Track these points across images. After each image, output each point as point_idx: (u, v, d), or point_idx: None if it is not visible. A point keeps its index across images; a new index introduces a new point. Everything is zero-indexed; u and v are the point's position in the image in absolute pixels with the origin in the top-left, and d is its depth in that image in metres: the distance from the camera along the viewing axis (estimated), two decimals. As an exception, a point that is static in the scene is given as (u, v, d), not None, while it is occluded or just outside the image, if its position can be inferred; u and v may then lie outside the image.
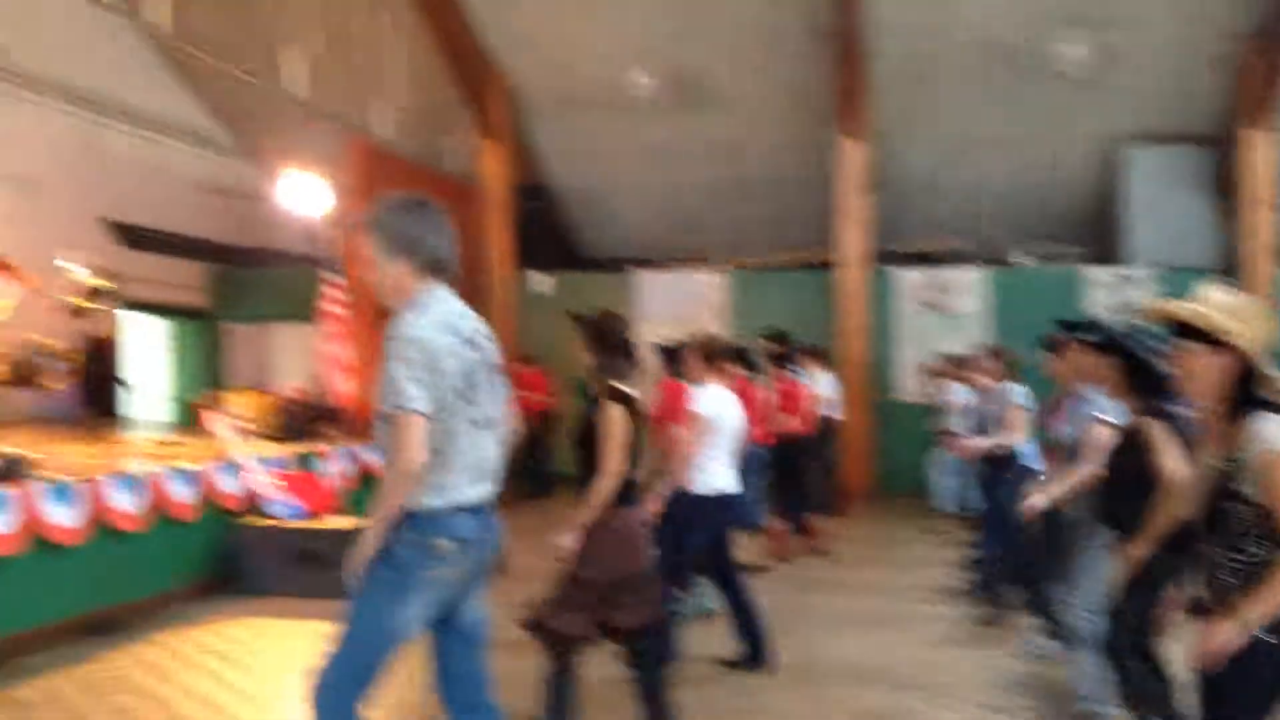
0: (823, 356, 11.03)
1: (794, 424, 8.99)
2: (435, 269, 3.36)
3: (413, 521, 3.24)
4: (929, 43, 12.57)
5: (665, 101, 13.25)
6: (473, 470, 3.32)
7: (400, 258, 3.32)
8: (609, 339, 4.66)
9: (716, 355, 6.01)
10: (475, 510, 3.35)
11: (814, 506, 9.60)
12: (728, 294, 14.23)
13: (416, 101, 12.61)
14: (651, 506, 5.46)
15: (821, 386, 10.57)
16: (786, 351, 9.49)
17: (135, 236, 13.70)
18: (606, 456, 4.45)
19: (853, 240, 13.39)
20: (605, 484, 4.44)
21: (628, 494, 4.55)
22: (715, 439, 5.75)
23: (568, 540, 4.49)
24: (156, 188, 14.11)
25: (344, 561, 3.27)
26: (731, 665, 5.88)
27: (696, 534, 5.74)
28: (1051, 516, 5.40)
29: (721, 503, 5.81)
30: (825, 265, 13.79)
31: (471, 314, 3.44)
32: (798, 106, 13.56)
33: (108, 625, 6.57)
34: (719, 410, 5.81)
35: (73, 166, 12.81)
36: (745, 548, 8.43)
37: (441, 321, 3.28)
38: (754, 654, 5.92)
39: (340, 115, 11.73)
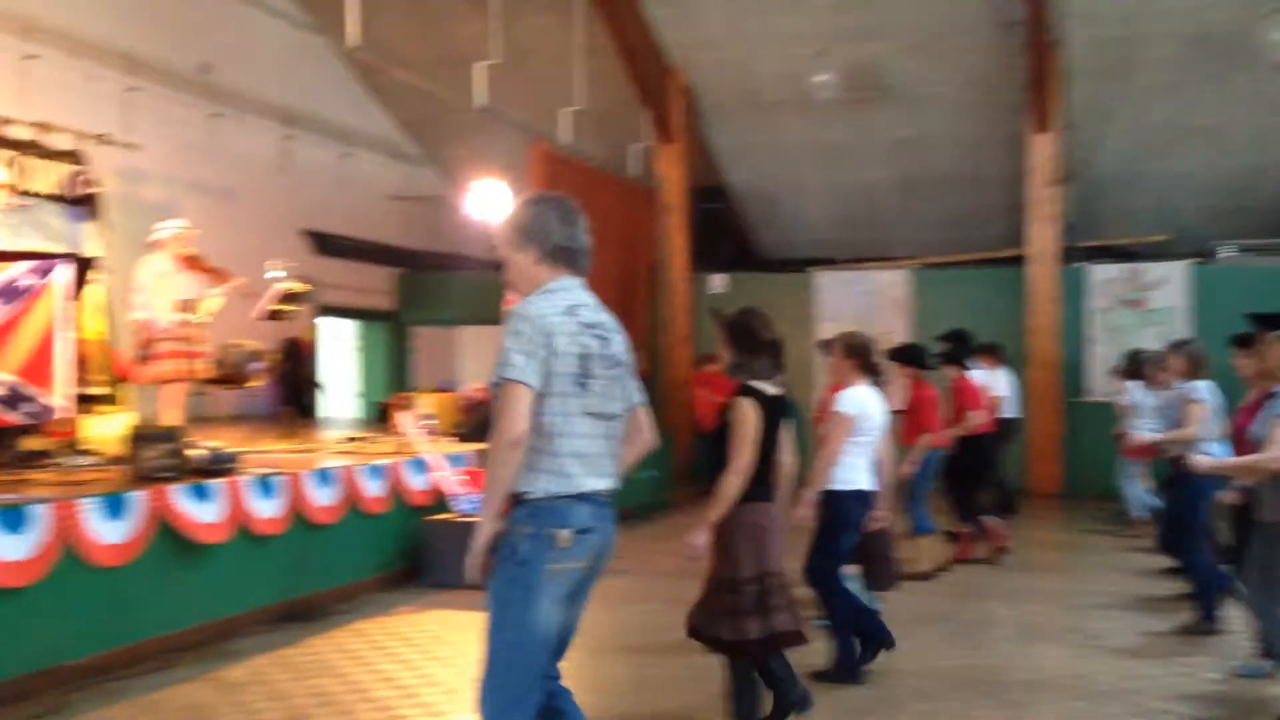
0: (999, 355, 10.66)
1: (972, 424, 8.66)
2: (564, 259, 3.33)
3: (531, 511, 3.18)
4: (1122, 30, 12.00)
5: (846, 98, 13.03)
6: (588, 460, 3.25)
7: (529, 247, 3.31)
8: (747, 337, 4.63)
9: (860, 353, 5.80)
10: (594, 501, 3.27)
11: (993, 509, 9.26)
12: (911, 292, 13.89)
13: (597, 106, 12.75)
14: (801, 509, 5.37)
15: (999, 386, 10.20)
16: (962, 350, 9.18)
17: (328, 243, 14.32)
18: (735, 453, 4.40)
19: (1042, 235, 12.91)
20: (733, 481, 4.39)
21: (760, 491, 4.47)
22: (858, 438, 5.58)
23: (698, 538, 4.45)
24: (348, 196, 14.70)
25: (465, 550, 3.21)
26: (820, 676, 5.43)
27: (846, 534, 5.59)
28: (1244, 517, 5.05)
29: (860, 499, 5.63)
30: (1014, 262, 13.33)
31: (600, 307, 3.38)
32: (984, 99, 13.15)
33: (306, 611, 6.83)
34: (861, 409, 5.63)
35: (270, 178, 13.46)
36: (920, 552, 8.26)
37: (562, 306, 3.24)
38: (861, 657, 5.61)
39: (523, 122, 11.96)
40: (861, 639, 5.57)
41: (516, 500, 3.19)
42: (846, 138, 13.94)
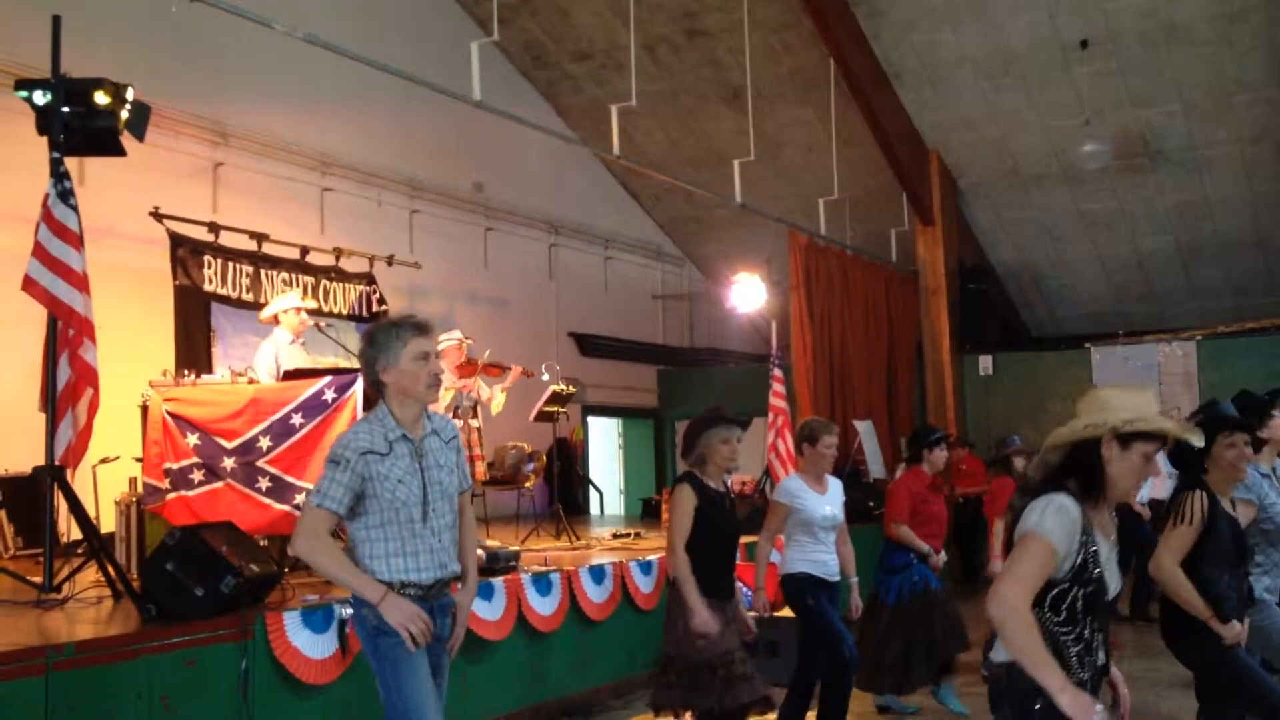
0: None
1: None
2: None
3: None
4: None
5: (1115, 166, 12.52)
6: None
7: None
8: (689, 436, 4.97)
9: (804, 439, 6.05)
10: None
11: None
12: (1197, 365, 13.02)
13: (853, 193, 12.79)
14: None
15: None
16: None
17: (593, 344, 14.87)
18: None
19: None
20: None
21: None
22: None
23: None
24: (612, 298, 15.27)
25: None
26: None
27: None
28: None
29: None
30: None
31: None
32: (1268, 157, 12.32)
33: (584, 707, 6.98)
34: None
35: (538, 284, 14.17)
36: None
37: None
38: None
39: (779, 214, 12.13)
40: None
41: None
42: (1117, 207, 13.38)
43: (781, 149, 13.31)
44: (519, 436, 10.38)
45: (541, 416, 10.10)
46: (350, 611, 3.86)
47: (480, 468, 8.89)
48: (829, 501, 5.92)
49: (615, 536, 9.87)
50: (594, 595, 7.26)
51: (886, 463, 12.33)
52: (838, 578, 5.93)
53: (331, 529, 3.66)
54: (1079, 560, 2.88)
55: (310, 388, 6.95)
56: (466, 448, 8.61)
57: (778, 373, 10.97)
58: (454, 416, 8.65)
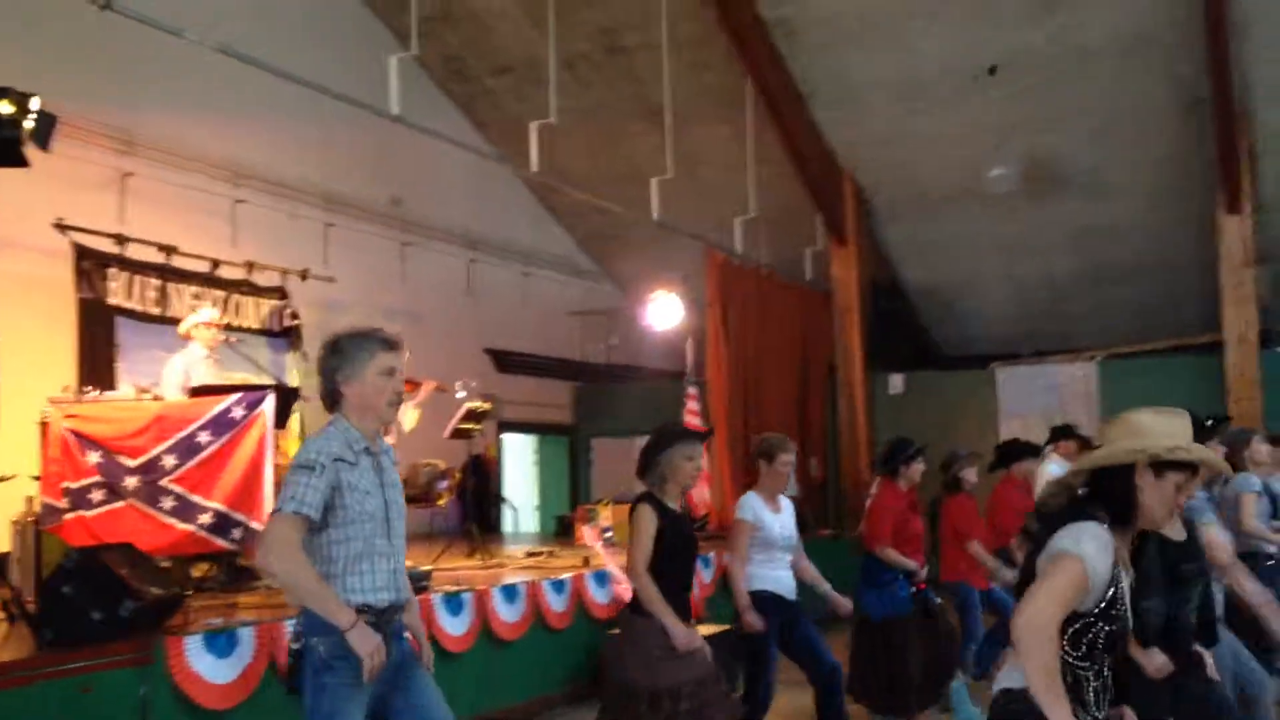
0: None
1: None
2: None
3: None
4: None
5: (1023, 190, 12.85)
6: None
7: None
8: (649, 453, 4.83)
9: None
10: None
11: None
12: (1098, 385, 13.39)
13: (770, 212, 12.93)
14: None
15: None
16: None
17: (510, 361, 14.82)
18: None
19: (1239, 319, 12.30)
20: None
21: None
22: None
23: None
24: (529, 314, 15.23)
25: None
26: None
27: None
28: None
29: None
30: (1208, 348, 12.72)
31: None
32: (1170, 182, 12.74)
33: (493, 729, 6.95)
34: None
35: (456, 300, 14.09)
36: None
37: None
38: None
39: (697, 232, 12.22)
40: None
41: None
42: (1025, 230, 13.69)
43: (699, 167, 13.43)
44: (433, 453, 10.30)
45: (457, 434, 10.04)
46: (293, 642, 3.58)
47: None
48: (784, 520, 5.89)
49: (529, 555, 9.84)
50: (506, 615, 7.23)
51: (799, 480, 12.45)
52: (795, 596, 5.88)
53: (303, 538, 3.45)
54: (1109, 594, 2.75)
55: (218, 405, 6.85)
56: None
57: (693, 390, 11.07)
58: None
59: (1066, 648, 2.73)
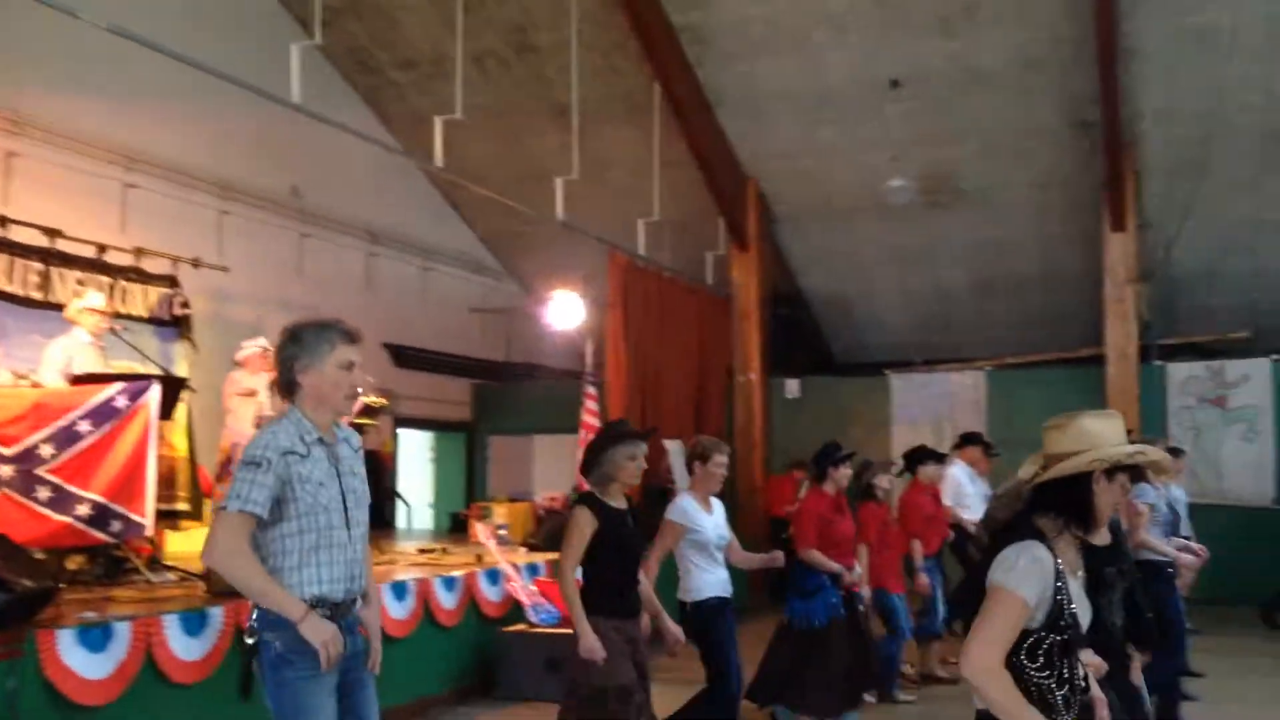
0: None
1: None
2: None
3: None
4: (1198, 127, 11.96)
5: (921, 203, 13.15)
6: None
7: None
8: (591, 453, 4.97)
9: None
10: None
11: None
12: (986, 394, 13.77)
13: (673, 216, 13.00)
14: None
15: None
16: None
17: (408, 356, 14.67)
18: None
19: (1120, 334, 12.77)
20: None
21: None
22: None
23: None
24: (429, 310, 15.10)
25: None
26: None
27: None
28: None
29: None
30: (1091, 361, 13.17)
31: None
32: (1060, 200, 13.17)
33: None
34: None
35: (354, 294, 13.88)
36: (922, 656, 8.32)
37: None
38: None
39: (601, 234, 12.24)
40: None
41: None
42: (921, 241, 14.01)
43: (605, 169, 13.45)
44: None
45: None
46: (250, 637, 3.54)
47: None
48: (717, 521, 5.90)
49: (421, 552, 9.75)
50: (394, 612, 7.16)
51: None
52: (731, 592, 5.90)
53: (250, 536, 3.44)
54: (1052, 608, 2.78)
55: (100, 394, 6.67)
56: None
57: (591, 390, 11.09)
58: (256, 428, 8.40)
59: (1025, 661, 2.77)
